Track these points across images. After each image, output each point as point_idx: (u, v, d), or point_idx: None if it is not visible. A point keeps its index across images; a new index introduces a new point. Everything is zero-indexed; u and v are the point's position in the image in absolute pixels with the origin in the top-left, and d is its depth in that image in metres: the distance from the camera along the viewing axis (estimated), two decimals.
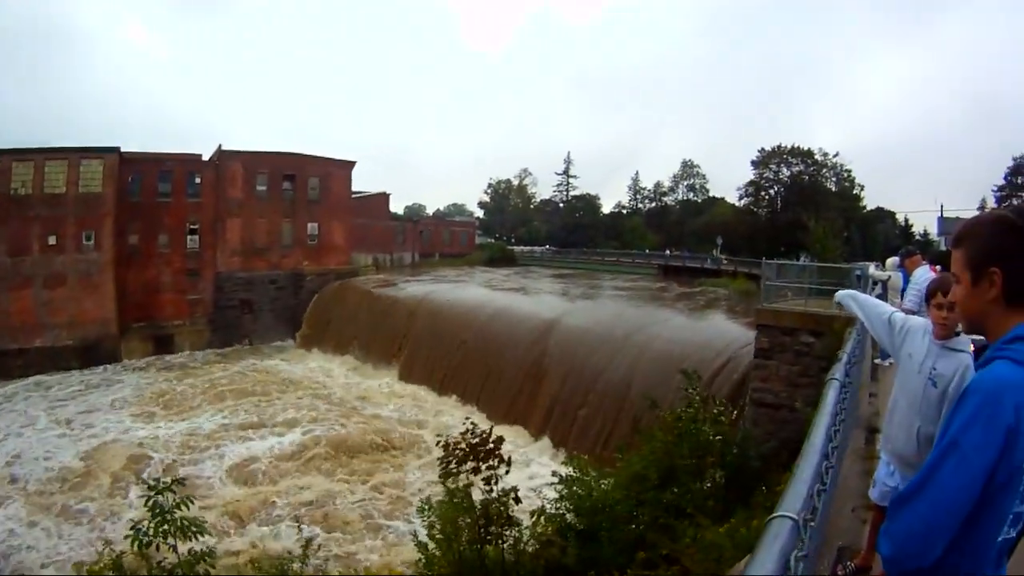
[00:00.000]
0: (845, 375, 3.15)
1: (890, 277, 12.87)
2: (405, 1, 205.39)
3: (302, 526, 14.22)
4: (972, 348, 3.32)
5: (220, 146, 44.29)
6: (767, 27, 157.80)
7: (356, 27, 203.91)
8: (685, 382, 11.07)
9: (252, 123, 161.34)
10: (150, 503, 7.38)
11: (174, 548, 7.39)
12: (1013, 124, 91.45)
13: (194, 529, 7.48)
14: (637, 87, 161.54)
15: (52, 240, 36.52)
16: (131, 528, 7.37)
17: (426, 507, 9.81)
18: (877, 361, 11.24)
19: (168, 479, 7.86)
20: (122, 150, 38.95)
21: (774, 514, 1.44)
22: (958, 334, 3.42)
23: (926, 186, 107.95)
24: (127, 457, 21.39)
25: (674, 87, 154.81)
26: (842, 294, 4.25)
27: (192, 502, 7.94)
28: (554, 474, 9.87)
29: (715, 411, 10.35)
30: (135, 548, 7.25)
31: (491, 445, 9.42)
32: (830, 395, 2.46)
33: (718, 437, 9.86)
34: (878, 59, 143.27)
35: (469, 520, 9.21)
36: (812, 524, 1.59)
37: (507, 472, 9.54)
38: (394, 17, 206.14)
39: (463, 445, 9.37)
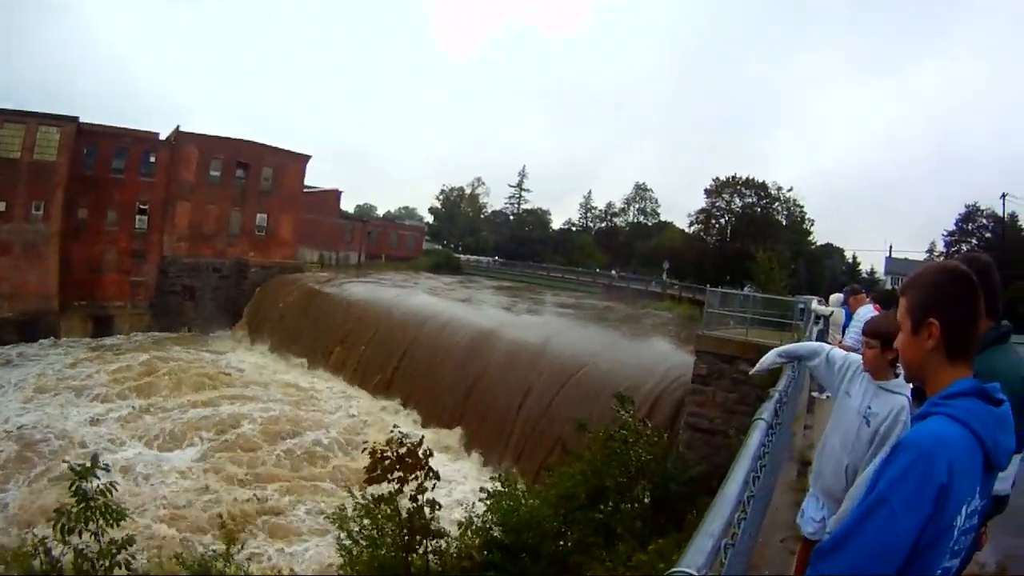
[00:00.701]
0: (774, 415, 3.07)
1: (832, 313, 13.11)
2: None
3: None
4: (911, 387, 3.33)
5: (178, 127, 43.26)
6: (737, 58, 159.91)
7: (323, 19, 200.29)
8: (617, 404, 11.11)
9: (211, 105, 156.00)
10: (74, 487, 7.22)
11: (96, 535, 7.23)
12: (971, 172, 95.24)
13: (115, 516, 7.35)
14: (601, 106, 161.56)
15: (1, 206, 35.07)
16: (55, 511, 7.22)
17: (342, 515, 9.65)
18: (814, 394, 11.42)
19: (89, 463, 7.62)
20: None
21: (673, 569, 1.34)
22: (898, 375, 3.43)
23: (880, 226, 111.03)
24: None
25: (638, 109, 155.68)
26: (769, 357, 4.19)
27: (115, 488, 7.79)
28: (482, 489, 9.79)
29: (648, 433, 10.40)
30: (59, 534, 7.05)
31: (420, 456, 9.27)
32: (754, 438, 2.33)
33: (648, 458, 9.91)
34: (844, 98, 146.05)
35: (393, 527, 9.05)
36: None
37: (434, 486, 9.41)
38: (365, 11, 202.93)
39: (390, 454, 9.19)
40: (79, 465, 7.55)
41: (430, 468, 9.36)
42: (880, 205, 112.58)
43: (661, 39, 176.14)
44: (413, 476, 9.22)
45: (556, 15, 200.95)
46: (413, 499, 9.12)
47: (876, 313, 8.66)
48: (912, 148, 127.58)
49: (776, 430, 3.37)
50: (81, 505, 7.11)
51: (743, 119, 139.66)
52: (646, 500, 9.66)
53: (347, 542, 9.63)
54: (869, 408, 3.44)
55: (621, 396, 11.21)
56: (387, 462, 9.15)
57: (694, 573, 1.35)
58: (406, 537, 9.05)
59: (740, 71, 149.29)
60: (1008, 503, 2.75)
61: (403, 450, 9.25)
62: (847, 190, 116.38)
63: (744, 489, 1.83)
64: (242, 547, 11.68)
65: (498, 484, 9.74)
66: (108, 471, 8.05)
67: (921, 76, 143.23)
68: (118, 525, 7.39)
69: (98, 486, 7.33)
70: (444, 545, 9.42)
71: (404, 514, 9.02)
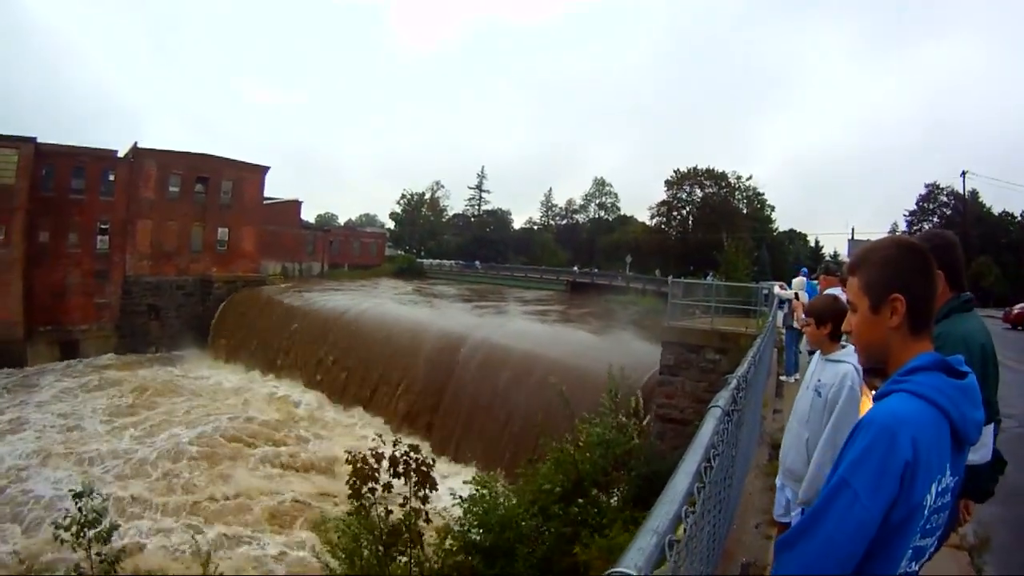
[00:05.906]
0: (731, 401, 3.04)
1: (797, 295, 13.28)
2: None
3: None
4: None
5: (135, 143, 42.38)
6: (710, 50, 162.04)
7: (278, 22, 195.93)
8: (606, 392, 11.00)
9: (161, 113, 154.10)
10: (78, 506, 8.35)
11: (87, 548, 8.30)
12: (955, 154, 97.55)
13: (108, 532, 8.59)
14: (564, 103, 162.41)
15: None
16: (55, 528, 8.48)
17: (322, 524, 9.52)
18: (783, 378, 11.58)
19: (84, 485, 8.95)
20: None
21: (612, 569, 1.26)
22: (844, 346, 3.58)
23: (849, 210, 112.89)
24: None
25: (603, 104, 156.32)
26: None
27: (107, 508, 9.55)
28: (466, 482, 9.71)
29: (632, 424, 10.38)
30: (62, 544, 8.44)
31: (414, 463, 9.08)
32: (706, 427, 2.19)
33: (637, 443, 9.92)
34: (822, 87, 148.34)
35: (372, 537, 8.91)
36: None
37: (427, 495, 9.22)
38: (319, 13, 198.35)
39: (372, 461, 9.00)
40: (80, 486, 8.82)
41: (425, 472, 9.17)
42: (852, 189, 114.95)
43: (634, 27, 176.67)
44: (412, 483, 9.04)
45: (524, 4, 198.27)
46: (402, 506, 8.98)
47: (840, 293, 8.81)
48: (885, 133, 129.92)
49: (736, 417, 3.36)
50: (79, 523, 8.20)
51: (716, 111, 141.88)
52: (626, 492, 9.62)
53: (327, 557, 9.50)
54: (819, 381, 3.59)
55: (611, 385, 10.97)
56: (368, 470, 8.90)
57: (633, 573, 1.28)
58: (385, 544, 8.91)
59: (714, 64, 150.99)
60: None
61: (397, 452, 9.08)
62: (822, 177, 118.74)
63: (694, 481, 1.75)
64: (217, 565, 11.57)
65: (477, 487, 9.60)
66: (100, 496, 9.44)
67: (906, 61, 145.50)
68: (110, 540, 8.53)
69: (92, 507, 8.39)
70: (422, 555, 9.29)
71: (381, 526, 8.86)
